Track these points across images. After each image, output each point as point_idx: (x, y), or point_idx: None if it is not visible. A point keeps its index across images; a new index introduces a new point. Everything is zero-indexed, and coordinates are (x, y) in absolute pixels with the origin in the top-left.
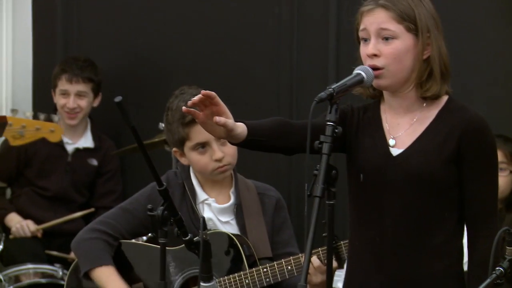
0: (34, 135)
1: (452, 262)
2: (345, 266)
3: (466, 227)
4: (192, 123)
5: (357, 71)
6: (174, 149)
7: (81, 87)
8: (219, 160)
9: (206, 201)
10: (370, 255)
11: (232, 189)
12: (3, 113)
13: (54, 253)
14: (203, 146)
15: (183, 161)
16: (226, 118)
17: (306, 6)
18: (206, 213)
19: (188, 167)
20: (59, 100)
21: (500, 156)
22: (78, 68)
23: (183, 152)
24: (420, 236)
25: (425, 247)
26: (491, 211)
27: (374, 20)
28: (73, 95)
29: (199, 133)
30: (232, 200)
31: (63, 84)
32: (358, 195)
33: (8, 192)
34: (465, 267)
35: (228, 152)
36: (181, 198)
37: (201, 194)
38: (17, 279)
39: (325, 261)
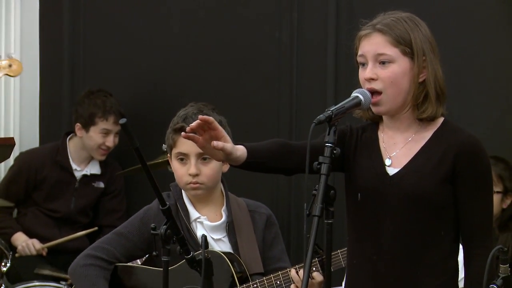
0: None
1: (448, 280)
2: (343, 283)
3: (462, 245)
4: (180, 131)
5: (355, 94)
6: (168, 155)
7: (118, 127)
8: (192, 176)
9: (198, 219)
10: (367, 273)
11: (224, 207)
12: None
13: (46, 272)
14: (183, 157)
15: (170, 168)
16: (224, 142)
17: (305, 31)
18: (199, 231)
19: (180, 188)
20: (97, 138)
21: (496, 179)
22: (117, 107)
23: (171, 160)
24: (416, 254)
25: (421, 265)
26: (486, 230)
27: (371, 47)
28: (113, 134)
29: (183, 143)
30: (223, 218)
31: (108, 125)
32: (356, 214)
33: (15, 212)
34: (461, 284)
35: (204, 172)
36: (175, 218)
37: (193, 213)
38: None
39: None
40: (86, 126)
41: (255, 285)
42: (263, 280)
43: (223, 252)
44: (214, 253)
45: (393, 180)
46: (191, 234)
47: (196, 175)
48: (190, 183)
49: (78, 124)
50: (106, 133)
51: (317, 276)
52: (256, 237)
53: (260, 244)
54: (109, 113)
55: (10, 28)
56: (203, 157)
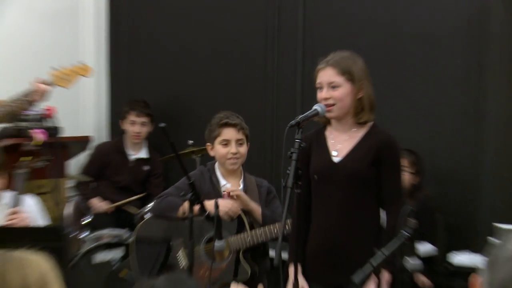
0: (74, 76)
1: (373, 229)
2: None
3: (383, 207)
4: (224, 126)
5: (315, 107)
6: (208, 144)
7: (144, 119)
8: (232, 153)
9: (225, 186)
10: (322, 229)
11: (241, 180)
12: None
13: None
14: (226, 142)
15: (211, 153)
16: None
17: (283, 67)
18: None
19: (213, 165)
20: (128, 127)
21: (405, 162)
22: (142, 107)
23: (213, 145)
24: (353, 215)
25: (356, 221)
26: (398, 197)
27: (325, 77)
28: (139, 124)
29: (226, 133)
30: (241, 187)
31: (132, 117)
32: (315, 189)
33: (95, 184)
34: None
35: (240, 151)
36: (210, 184)
37: (222, 181)
38: (99, 238)
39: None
40: (123, 119)
41: (260, 231)
42: (265, 228)
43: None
44: None
45: (337, 165)
46: (219, 195)
47: (236, 153)
48: (231, 158)
49: (120, 120)
50: (132, 123)
51: None
52: (260, 202)
53: (263, 206)
54: (132, 109)
55: (84, 50)
56: (239, 142)
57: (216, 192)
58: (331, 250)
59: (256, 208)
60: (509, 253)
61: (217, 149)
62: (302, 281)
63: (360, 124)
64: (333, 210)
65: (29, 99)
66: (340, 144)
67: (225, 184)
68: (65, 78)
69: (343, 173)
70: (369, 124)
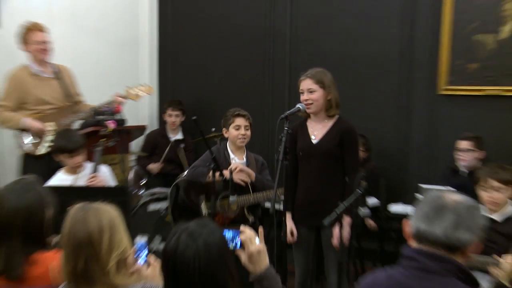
0: (141, 92)
1: (339, 189)
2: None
3: (346, 173)
4: (236, 116)
5: (298, 105)
6: (224, 129)
7: (177, 112)
8: (242, 135)
9: (233, 159)
10: (305, 189)
11: (245, 155)
12: (144, 124)
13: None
14: (238, 127)
15: (225, 135)
16: None
17: (276, 80)
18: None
19: (226, 144)
20: (167, 118)
21: (360, 144)
22: (176, 104)
23: (228, 130)
24: (326, 179)
25: (328, 183)
26: (355, 166)
27: (305, 85)
28: (174, 116)
29: (238, 121)
30: (244, 160)
31: (169, 111)
32: (300, 162)
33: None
34: None
35: (247, 134)
36: (223, 157)
37: (231, 155)
38: (151, 194)
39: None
40: (165, 112)
41: (260, 194)
42: (263, 192)
43: None
44: None
45: (315, 146)
46: (229, 164)
47: (244, 134)
48: (241, 138)
49: (163, 114)
50: (170, 115)
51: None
52: (257, 171)
53: (256, 173)
54: (169, 106)
55: (142, 68)
56: (246, 128)
57: (227, 162)
58: (311, 203)
59: (251, 172)
60: (429, 198)
61: (231, 132)
62: (291, 224)
63: (330, 117)
64: (312, 175)
65: (109, 106)
66: (316, 131)
67: (233, 157)
68: (135, 93)
69: (319, 151)
70: (336, 117)
